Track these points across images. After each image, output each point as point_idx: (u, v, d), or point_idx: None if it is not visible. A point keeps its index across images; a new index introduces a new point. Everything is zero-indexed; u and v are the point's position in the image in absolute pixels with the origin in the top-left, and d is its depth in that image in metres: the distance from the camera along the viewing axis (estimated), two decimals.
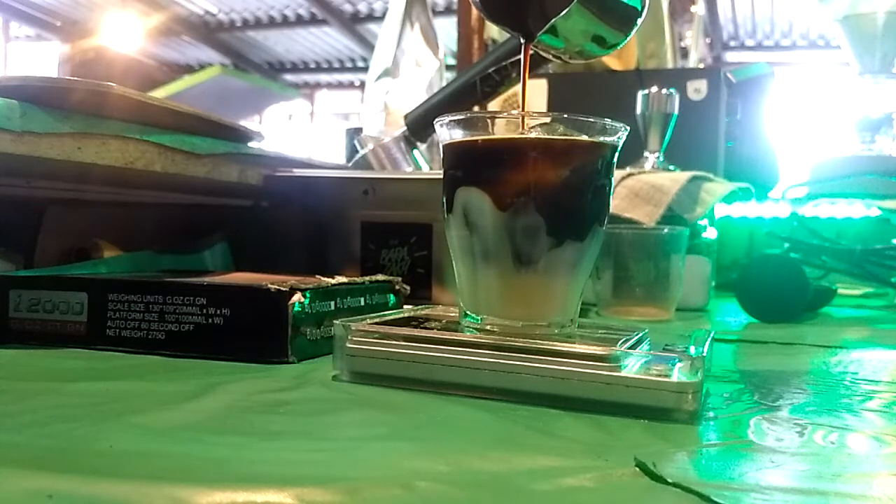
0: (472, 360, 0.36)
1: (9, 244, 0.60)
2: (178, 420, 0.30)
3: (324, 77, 6.81)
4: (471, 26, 1.77)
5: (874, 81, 1.24)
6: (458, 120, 0.40)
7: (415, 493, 0.23)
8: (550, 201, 0.39)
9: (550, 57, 0.46)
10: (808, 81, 4.51)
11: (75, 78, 0.53)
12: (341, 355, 0.39)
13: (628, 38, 0.45)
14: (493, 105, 0.85)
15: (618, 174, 0.82)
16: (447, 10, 4.12)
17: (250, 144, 0.72)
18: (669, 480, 0.24)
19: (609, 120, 0.39)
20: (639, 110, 0.94)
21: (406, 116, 0.79)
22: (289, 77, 6.71)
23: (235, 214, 0.78)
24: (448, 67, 2.39)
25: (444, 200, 0.41)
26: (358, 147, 0.80)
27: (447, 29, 2.32)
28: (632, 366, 0.35)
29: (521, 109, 0.44)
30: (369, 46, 4.51)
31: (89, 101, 0.54)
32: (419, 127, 0.78)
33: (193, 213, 0.77)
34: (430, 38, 2.16)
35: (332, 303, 0.47)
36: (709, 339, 0.39)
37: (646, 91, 0.93)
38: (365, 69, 2.95)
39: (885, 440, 0.31)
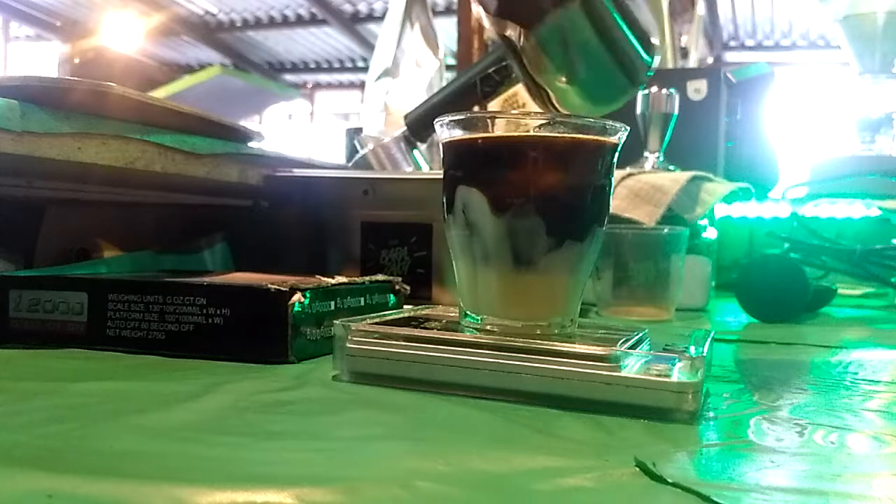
0: (472, 360, 0.36)
1: (9, 244, 0.60)
2: (178, 420, 0.30)
3: (324, 77, 6.80)
4: (471, 26, 1.77)
5: (874, 81, 1.24)
6: (458, 120, 0.40)
7: (414, 493, 0.23)
8: (550, 201, 0.39)
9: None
10: (808, 81, 4.51)
11: (75, 78, 0.53)
12: (341, 355, 0.39)
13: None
14: (493, 105, 0.85)
15: (618, 174, 0.81)
16: (447, 10, 4.12)
17: (250, 144, 0.72)
18: (669, 480, 0.25)
19: (609, 120, 0.39)
20: (639, 110, 0.94)
21: (406, 116, 0.79)
22: (289, 77, 6.70)
23: (235, 214, 0.78)
24: (448, 67, 2.39)
25: (444, 200, 0.41)
26: (358, 147, 0.80)
27: (447, 29, 2.32)
28: (632, 366, 0.35)
29: (521, 111, 0.44)
30: (369, 46, 4.50)
31: (89, 101, 0.54)
32: (419, 127, 0.78)
33: (193, 213, 0.77)
34: (430, 38, 2.16)
35: (332, 303, 0.47)
36: (709, 339, 0.39)
37: (646, 91, 0.93)
38: (365, 69, 2.95)
39: (885, 440, 0.31)
